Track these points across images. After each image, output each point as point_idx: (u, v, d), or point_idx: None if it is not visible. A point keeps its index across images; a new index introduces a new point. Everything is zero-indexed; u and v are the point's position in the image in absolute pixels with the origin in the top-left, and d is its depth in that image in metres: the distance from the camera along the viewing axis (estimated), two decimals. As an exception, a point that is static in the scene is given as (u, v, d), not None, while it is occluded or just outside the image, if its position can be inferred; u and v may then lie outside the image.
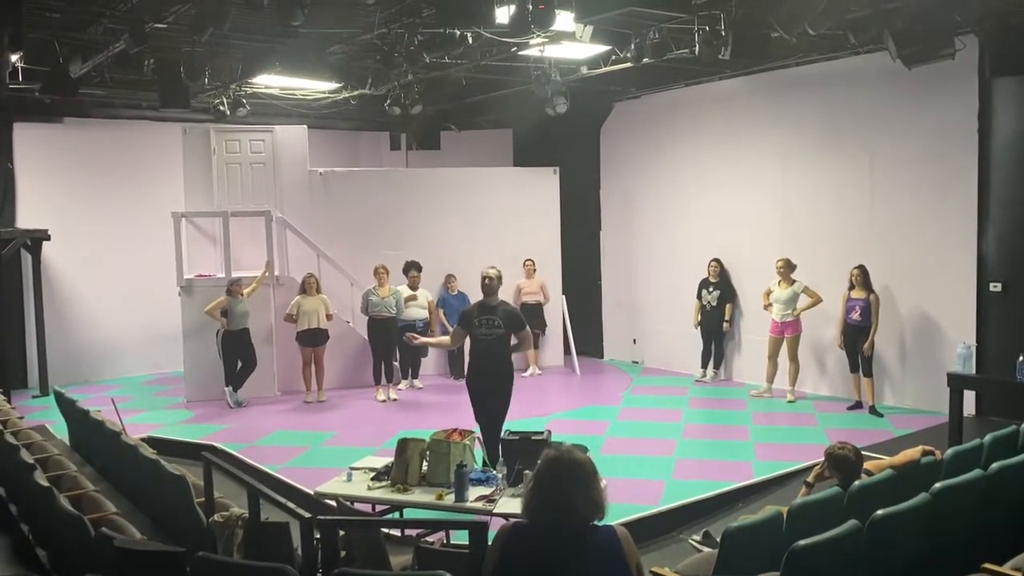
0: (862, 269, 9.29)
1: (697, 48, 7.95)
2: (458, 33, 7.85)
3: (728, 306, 11.23)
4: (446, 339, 7.84)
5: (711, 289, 11.24)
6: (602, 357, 13.39)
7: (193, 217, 11.43)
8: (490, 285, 7.06)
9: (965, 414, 7.69)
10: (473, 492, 5.40)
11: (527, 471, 5.14)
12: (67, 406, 7.77)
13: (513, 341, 7.05)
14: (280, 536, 4.14)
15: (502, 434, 6.14)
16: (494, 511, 5.18)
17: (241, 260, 11.21)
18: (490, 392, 7.07)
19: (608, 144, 13.29)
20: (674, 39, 8.42)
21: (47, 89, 8.79)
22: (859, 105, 9.91)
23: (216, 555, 4.22)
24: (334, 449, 8.66)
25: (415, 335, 8.29)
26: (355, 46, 9.16)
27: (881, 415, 9.27)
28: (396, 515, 5.83)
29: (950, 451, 5.00)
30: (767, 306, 10.30)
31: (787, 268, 10.08)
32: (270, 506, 4.23)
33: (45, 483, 4.77)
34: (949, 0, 7.40)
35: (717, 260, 11.22)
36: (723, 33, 7.65)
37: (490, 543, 3.07)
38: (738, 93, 11.17)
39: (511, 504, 5.16)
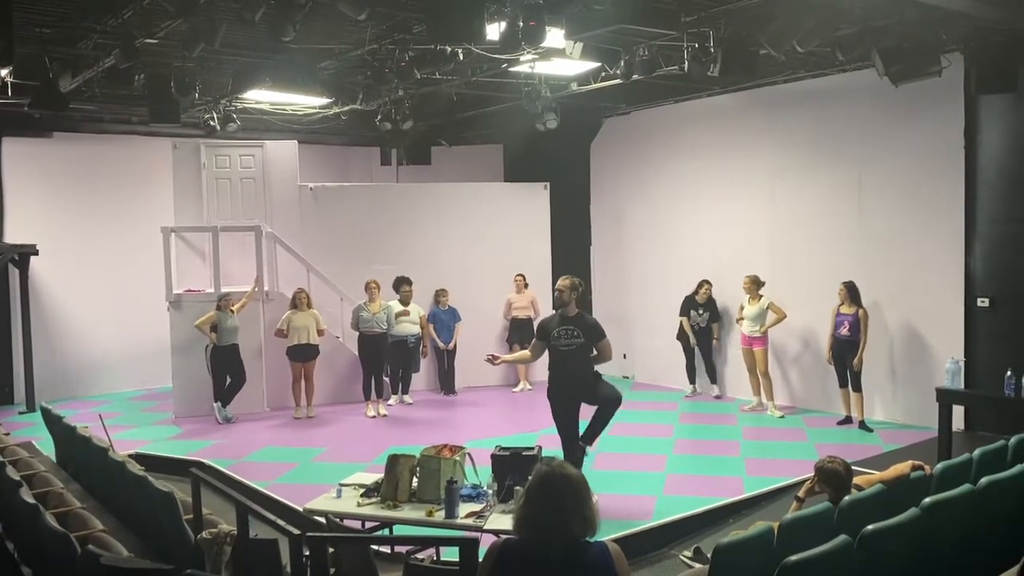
0: (851, 285, 9.34)
1: (686, 65, 8.03)
2: (449, 49, 7.89)
3: (715, 326, 11.27)
4: (526, 354, 7.43)
5: (700, 311, 11.24)
6: (593, 372, 13.35)
7: (183, 232, 11.40)
8: (559, 297, 6.93)
9: (954, 429, 7.71)
10: (463, 508, 5.40)
11: (518, 487, 5.14)
12: (54, 422, 7.70)
13: (593, 352, 6.85)
14: (269, 553, 4.11)
15: (495, 450, 6.11)
16: (484, 527, 5.16)
17: (231, 275, 11.18)
18: (576, 398, 6.83)
19: (598, 160, 13.34)
20: (663, 56, 8.48)
21: (36, 104, 8.76)
22: (847, 122, 9.99)
23: (204, 572, 4.20)
24: (323, 465, 8.61)
25: (497, 355, 7.47)
26: (346, 62, 9.19)
27: (871, 430, 9.29)
28: (386, 532, 5.80)
29: (939, 466, 5.01)
30: (739, 319, 10.47)
31: (754, 285, 10.21)
32: (259, 523, 4.19)
33: (31, 500, 4.72)
34: (935, 19, 7.49)
35: (708, 282, 11.20)
36: (712, 50, 7.73)
37: (480, 560, 3.06)
38: (727, 110, 11.24)
39: (502, 520, 5.16)
